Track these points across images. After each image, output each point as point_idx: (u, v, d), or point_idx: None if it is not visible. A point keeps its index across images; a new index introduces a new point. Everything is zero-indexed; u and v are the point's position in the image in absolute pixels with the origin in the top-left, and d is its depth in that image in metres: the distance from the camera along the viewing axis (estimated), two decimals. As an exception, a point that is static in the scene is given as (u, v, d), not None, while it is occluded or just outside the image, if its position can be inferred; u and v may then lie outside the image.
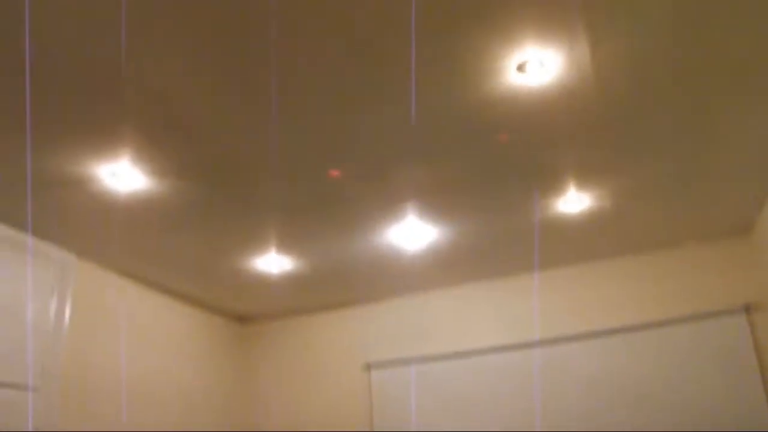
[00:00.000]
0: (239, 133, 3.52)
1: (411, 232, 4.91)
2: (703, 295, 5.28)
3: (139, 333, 5.54)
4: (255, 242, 4.97)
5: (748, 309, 5.08)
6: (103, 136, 3.49)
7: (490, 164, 3.98)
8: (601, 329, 5.46)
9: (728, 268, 5.29)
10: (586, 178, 4.22)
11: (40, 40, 2.76)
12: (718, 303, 5.19)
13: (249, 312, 6.76)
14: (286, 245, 5.07)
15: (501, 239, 5.14)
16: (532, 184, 4.26)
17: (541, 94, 3.27)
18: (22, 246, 4.54)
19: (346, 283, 6.01)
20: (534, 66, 3.05)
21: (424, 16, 2.73)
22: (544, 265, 5.79)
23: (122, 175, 3.86)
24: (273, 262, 5.37)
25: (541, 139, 3.72)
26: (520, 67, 3.05)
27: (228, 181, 4.04)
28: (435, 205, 4.50)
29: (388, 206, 4.50)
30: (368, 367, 6.21)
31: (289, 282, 5.85)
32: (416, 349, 6.10)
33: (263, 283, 5.84)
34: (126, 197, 4.12)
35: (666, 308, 5.34)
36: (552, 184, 4.29)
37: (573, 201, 4.50)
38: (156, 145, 3.60)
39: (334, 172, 3.57)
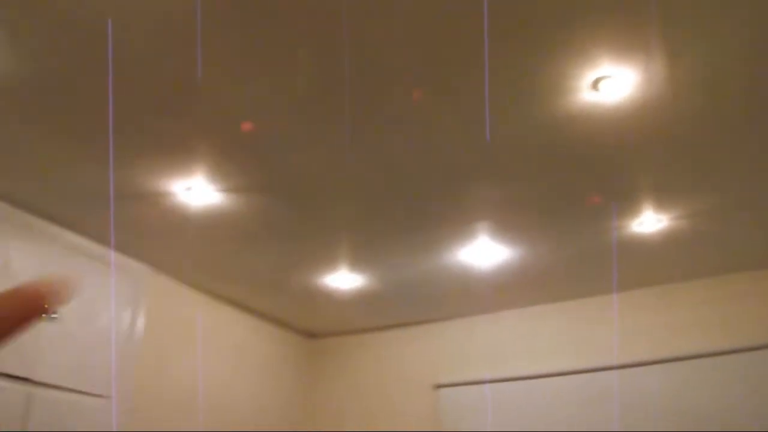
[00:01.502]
0: (313, 151, 3.55)
1: (483, 252, 4.85)
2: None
3: (210, 346, 5.61)
4: (326, 259, 5.00)
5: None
6: (179, 153, 3.57)
7: (564, 184, 3.91)
8: (677, 355, 5.26)
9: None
10: (663, 198, 4.10)
11: (121, 60, 2.84)
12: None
13: (319, 328, 6.79)
14: (357, 262, 5.07)
15: (574, 260, 5.04)
16: (608, 204, 4.17)
17: (616, 112, 3.20)
18: (99, 257, 4.67)
19: (417, 302, 5.97)
20: (609, 83, 2.98)
21: (499, 34, 2.70)
22: (620, 287, 5.64)
23: (197, 190, 3.93)
24: (344, 279, 5.38)
25: (616, 158, 3.63)
26: (595, 85, 3.00)
27: (301, 199, 4.08)
28: (508, 224, 4.45)
29: (461, 225, 4.46)
30: (437, 387, 6.15)
31: (359, 299, 5.85)
32: (486, 370, 6.00)
33: (334, 299, 5.85)
34: (200, 212, 4.20)
35: (749, 334, 5.13)
36: (628, 205, 4.18)
37: (649, 222, 4.38)
38: (231, 161, 3.66)
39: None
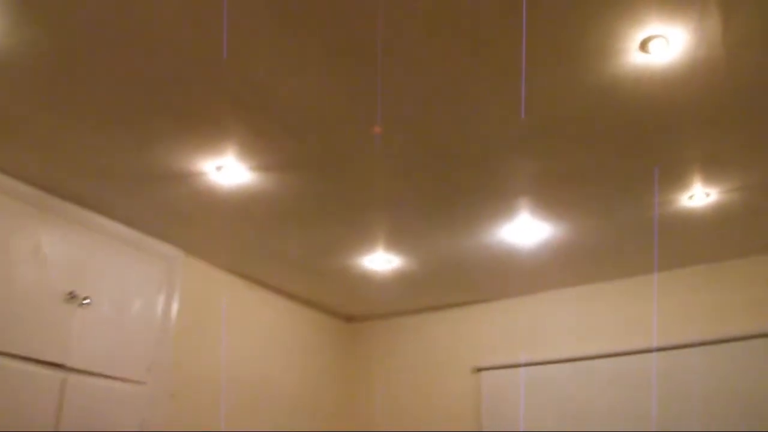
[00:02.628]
0: (345, 128, 3.43)
1: (523, 230, 4.69)
2: None
3: (245, 330, 5.54)
4: (363, 239, 4.88)
5: None
6: (208, 131, 3.47)
7: (609, 155, 3.73)
8: (725, 336, 5.06)
9: None
10: (714, 170, 3.90)
11: (147, 37, 2.75)
12: None
13: (356, 311, 6.69)
14: (394, 243, 4.95)
15: (619, 237, 4.84)
16: (654, 176, 3.98)
17: (666, 75, 3.01)
18: (130, 241, 4.60)
19: (456, 283, 5.84)
20: (658, 44, 2.80)
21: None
22: (666, 265, 5.43)
23: (228, 169, 3.83)
24: (381, 260, 5.26)
25: (665, 126, 3.44)
26: (643, 46, 2.81)
27: (334, 177, 3.96)
28: (549, 200, 4.28)
29: (500, 202, 4.31)
30: (478, 369, 6.02)
31: (397, 281, 5.74)
32: (527, 352, 5.86)
33: (371, 281, 5.74)
34: (232, 192, 4.10)
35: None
36: (676, 177, 3.98)
37: (699, 195, 4.18)
38: (262, 139, 3.55)
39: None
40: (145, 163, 3.79)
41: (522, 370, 5.79)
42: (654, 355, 5.27)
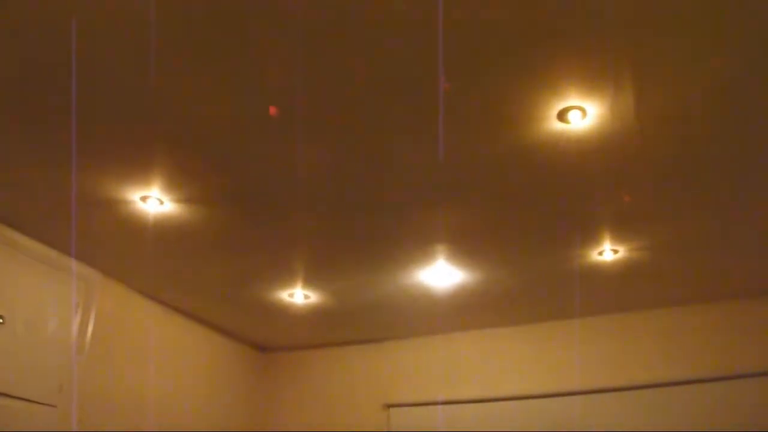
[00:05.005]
0: (270, 164, 3.48)
1: (439, 274, 4.82)
2: (737, 355, 5.09)
3: (159, 355, 5.49)
4: (281, 274, 4.92)
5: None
6: (135, 161, 3.48)
7: (523, 212, 3.91)
8: (627, 384, 5.27)
9: (765, 328, 5.11)
10: (622, 229, 4.12)
11: (83, 71, 2.77)
12: (753, 364, 5.00)
13: (271, 341, 6.70)
14: (312, 279, 5.01)
15: (531, 286, 5.03)
16: (567, 232, 4.17)
17: (581, 143, 3.19)
18: (47, 260, 4.53)
19: (371, 321, 5.92)
20: (575, 115, 2.97)
21: (464, 61, 2.68)
22: (573, 313, 5.65)
23: (153, 199, 3.84)
24: (298, 294, 5.31)
25: (577, 189, 3.63)
26: (561, 116, 2.98)
27: (257, 211, 4.01)
28: (464, 249, 4.42)
29: (417, 248, 4.43)
30: (388, 405, 6.09)
31: (313, 315, 5.78)
32: (438, 391, 5.96)
33: (287, 314, 5.77)
34: (155, 221, 4.10)
35: (698, 366, 5.16)
36: (587, 234, 4.19)
37: (608, 252, 4.40)
38: (187, 172, 3.58)
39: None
40: (70, 187, 3.75)
41: (432, 408, 5.88)
42: (565, 398, 5.44)
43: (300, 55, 2.71)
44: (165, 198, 3.83)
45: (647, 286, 5.03)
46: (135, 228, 4.20)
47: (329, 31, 2.57)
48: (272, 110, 3.18)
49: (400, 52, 2.66)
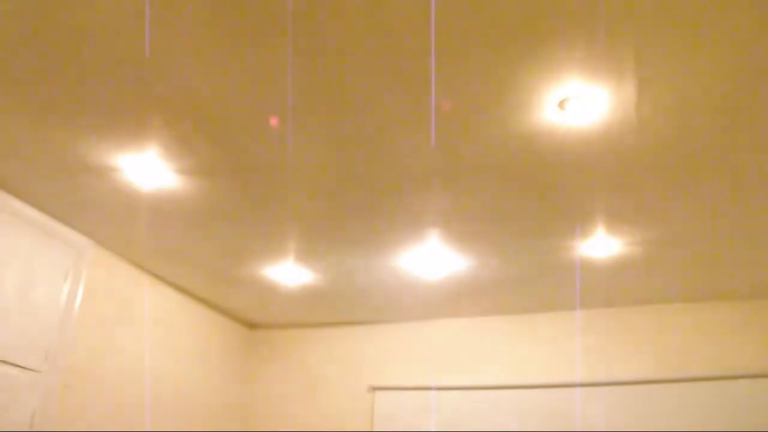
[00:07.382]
0: (267, 141, 3.47)
1: (432, 259, 4.83)
2: (727, 355, 5.12)
3: (148, 326, 5.50)
4: (274, 251, 4.92)
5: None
6: (131, 128, 3.46)
7: (518, 199, 3.90)
8: (615, 379, 5.31)
9: (756, 329, 5.13)
10: (617, 222, 4.13)
11: (76, 33, 2.75)
12: (742, 364, 5.03)
13: (260, 319, 6.71)
14: (304, 257, 5.01)
15: (522, 276, 5.04)
16: (562, 223, 4.18)
17: (580, 133, 3.19)
18: (39, 225, 4.51)
19: (362, 302, 5.93)
20: (576, 104, 2.97)
21: (463, 42, 2.67)
22: (563, 305, 5.68)
23: (148, 168, 3.83)
24: (290, 273, 5.32)
25: (574, 179, 3.63)
26: (561, 104, 2.98)
27: (253, 188, 4.00)
28: (458, 233, 4.42)
29: (411, 231, 4.43)
30: (374, 388, 6.12)
31: (303, 294, 5.79)
32: (424, 377, 6.00)
33: (278, 291, 5.79)
34: (150, 191, 4.09)
35: (687, 365, 5.19)
36: (582, 226, 4.19)
37: (601, 245, 4.40)
38: (184, 142, 3.56)
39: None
40: (65, 153, 3.74)
41: (417, 393, 5.91)
42: (550, 390, 5.47)
43: (300, 36, 2.70)
44: (161, 168, 3.82)
45: (637, 282, 5.05)
46: (129, 197, 4.19)
47: (327, 15, 2.56)
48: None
49: (397, 35, 2.65)
